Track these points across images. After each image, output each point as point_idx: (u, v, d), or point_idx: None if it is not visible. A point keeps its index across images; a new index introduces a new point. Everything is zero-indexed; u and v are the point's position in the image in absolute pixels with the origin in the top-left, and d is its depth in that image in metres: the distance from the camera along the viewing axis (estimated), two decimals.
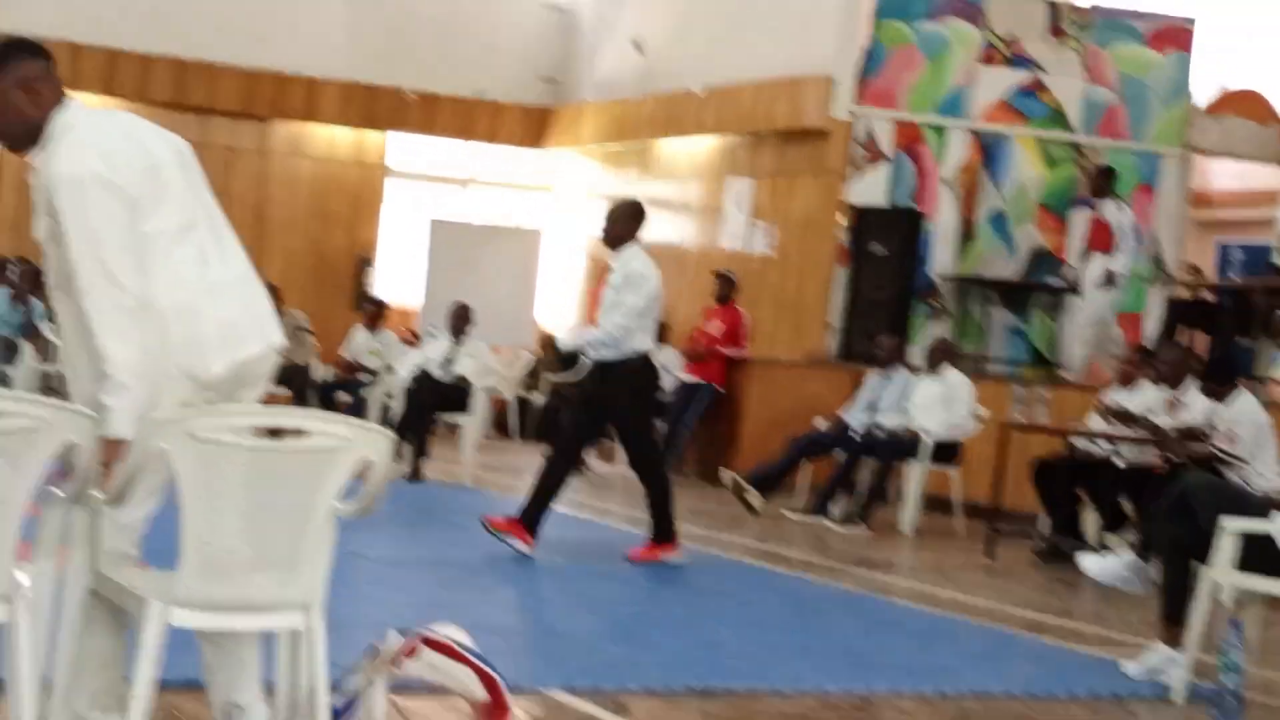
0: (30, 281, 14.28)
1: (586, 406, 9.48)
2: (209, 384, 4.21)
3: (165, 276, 4.19)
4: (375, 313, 15.57)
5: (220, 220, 4.40)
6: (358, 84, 18.35)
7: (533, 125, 19.17)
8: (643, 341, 9.14)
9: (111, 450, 3.98)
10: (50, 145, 4.20)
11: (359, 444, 3.93)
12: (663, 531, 9.20)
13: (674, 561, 9.11)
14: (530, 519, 8.97)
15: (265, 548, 3.91)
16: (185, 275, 4.22)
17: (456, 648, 4.84)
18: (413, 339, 16.58)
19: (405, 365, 13.54)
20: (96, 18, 16.81)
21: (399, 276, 18.69)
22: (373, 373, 14.87)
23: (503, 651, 5.31)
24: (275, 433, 4.08)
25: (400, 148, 18.98)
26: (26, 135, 4.25)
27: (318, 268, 18.39)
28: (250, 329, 4.32)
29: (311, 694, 4.06)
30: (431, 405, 12.85)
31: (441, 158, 19.37)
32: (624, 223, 9.33)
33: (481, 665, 4.84)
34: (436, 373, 13.02)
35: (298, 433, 4.03)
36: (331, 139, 18.61)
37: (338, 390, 14.83)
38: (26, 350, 14.11)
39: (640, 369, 9.17)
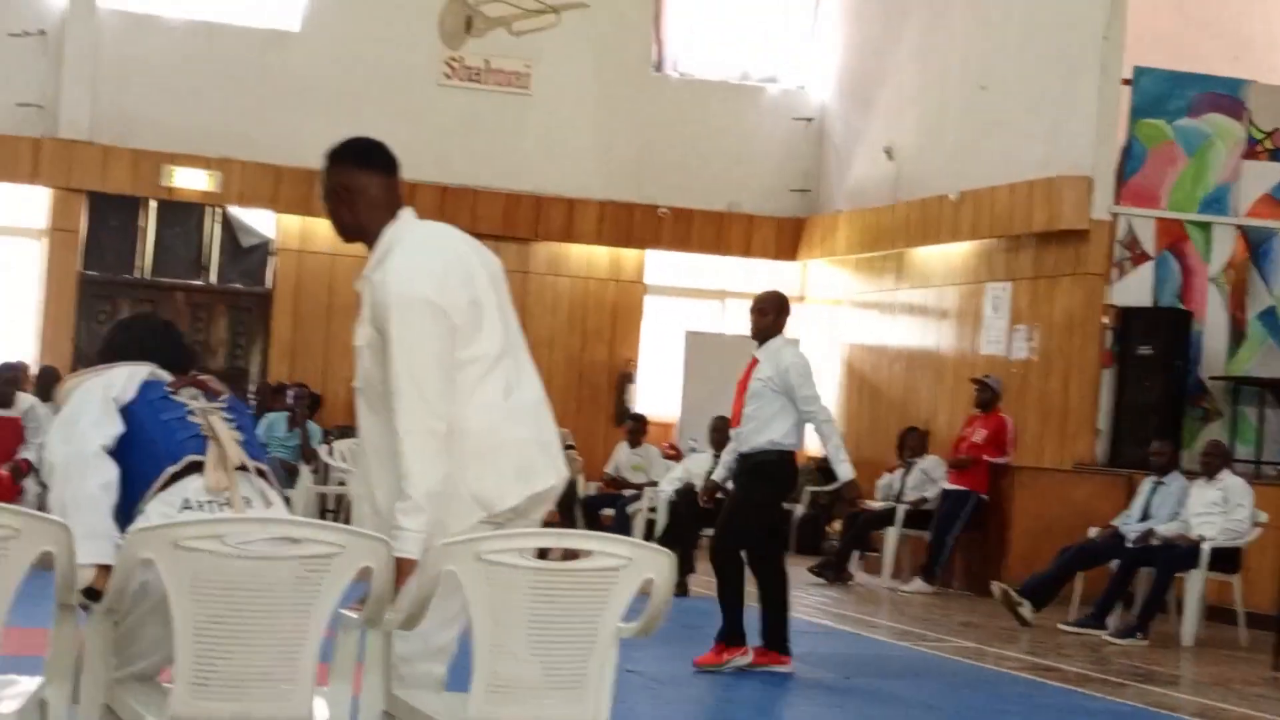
0: (307, 406, 14.79)
1: (742, 507, 9.09)
2: (500, 515, 4.31)
3: (474, 406, 4.31)
4: (637, 428, 15.71)
5: (521, 343, 4.53)
6: (613, 203, 18.69)
7: (786, 236, 19.26)
8: (789, 436, 8.93)
9: (403, 570, 4.08)
10: (383, 258, 4.36)
11: (641, 564, 3.96)
12: (728, 632, 8.91)
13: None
14: (775, 639, 8.83)
15: (553, 669, 3.95)
16: (492, 406, 4.34)
17: None
18: (673, 453, 16.69)
19: (668, 480, 13.61)
20: (298, 139, 17.43)
21: (658, 390, 18.85)
22: (637, 488, 14.99)
23: None
24: (543, 553, 4.14)
25: (656, 263, 19.23)
26: (355, 233, 4.48)
27: (578, 384, 18.66)
28: (543, 462, 4.43)
29: None
30: (695, 519, 12.87)
31: (696, 271, 19.56)
32: (774, 315, 9.11)
33: None
34: (699, 486, 13.04)
35: (569, 553, 4.08)
36: (589, 257, 18.95)
37: (603, 506, 14.98)
38: (304, 473, 14.56)
39: (780, 461, 8.96)
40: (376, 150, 4.51)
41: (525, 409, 4.42)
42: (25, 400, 12.90)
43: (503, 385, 4.37)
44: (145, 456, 4.27)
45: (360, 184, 4.44)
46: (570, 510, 14.84)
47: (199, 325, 17.17)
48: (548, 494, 4.44)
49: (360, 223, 4.47)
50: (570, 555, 4.02)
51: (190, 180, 17.17)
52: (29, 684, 4.02)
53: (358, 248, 4.56)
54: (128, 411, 4.33)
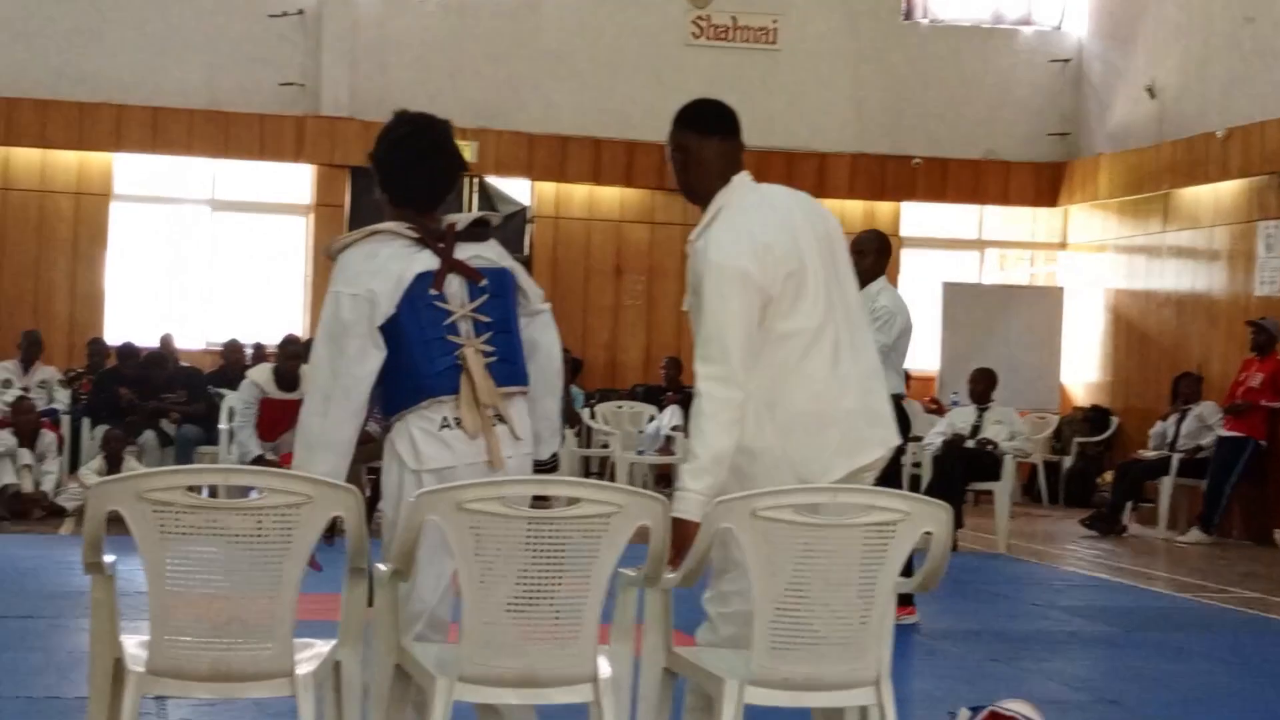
0: (570, 371, 14.94)
1: None
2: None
3: (798, 378, 4.28)
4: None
5: (853, 309, 4.46)
6: (865, 155, 18.47)
7: (1045, 182, 18.80)
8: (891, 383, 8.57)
9: (681, 532, 4.06)
10: (707, 225, 4.36)
11: (919, 517, 3.88)
12: None
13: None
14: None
15: (833, 624, 3.90)
16: (816, 379, 4.30)
17: None
18: (934, 406, 16.46)
19: (932, 434, 13.41)
20: (617, 111, 17.55)
21: (917, 344, 18.58)
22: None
23: None
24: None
25: (912, 215, 18.96)
26: (689, 195, 4.48)
27: None
28: (871, 434, 4.37)
29: None
30: (961, 473, 12.68)
31: (953, 222, 19.24)
32: (873, 256, 8.72)
33: None
34: (964, 440, 12.85)
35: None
36: (843, 211, 18.76)
37: None
38: (568, 436, 14.73)
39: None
40: (710, 113, 4.49)
41: (854, 379, 4.36)
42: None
43: (828, 357, 4.32)
44: (404, 378, 4.38)
45: (691, 146, 4.44)
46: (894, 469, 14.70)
47: None
48: (873, 465, 4.40)
49: (691, 185, 4.47)
50: None
51: None
52: (323, 647, 4.11)
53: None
54: (392, 326, 4.37)
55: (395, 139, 4.52)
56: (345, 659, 4.08)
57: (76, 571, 8.05)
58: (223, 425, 12.79)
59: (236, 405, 12.09)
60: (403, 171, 4.51)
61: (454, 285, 4.46)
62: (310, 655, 4.05)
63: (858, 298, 4.51)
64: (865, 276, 8.65)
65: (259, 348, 15.49)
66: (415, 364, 4.37)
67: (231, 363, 14.60)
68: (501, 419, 4.38)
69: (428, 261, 4.43)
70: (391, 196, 4.54)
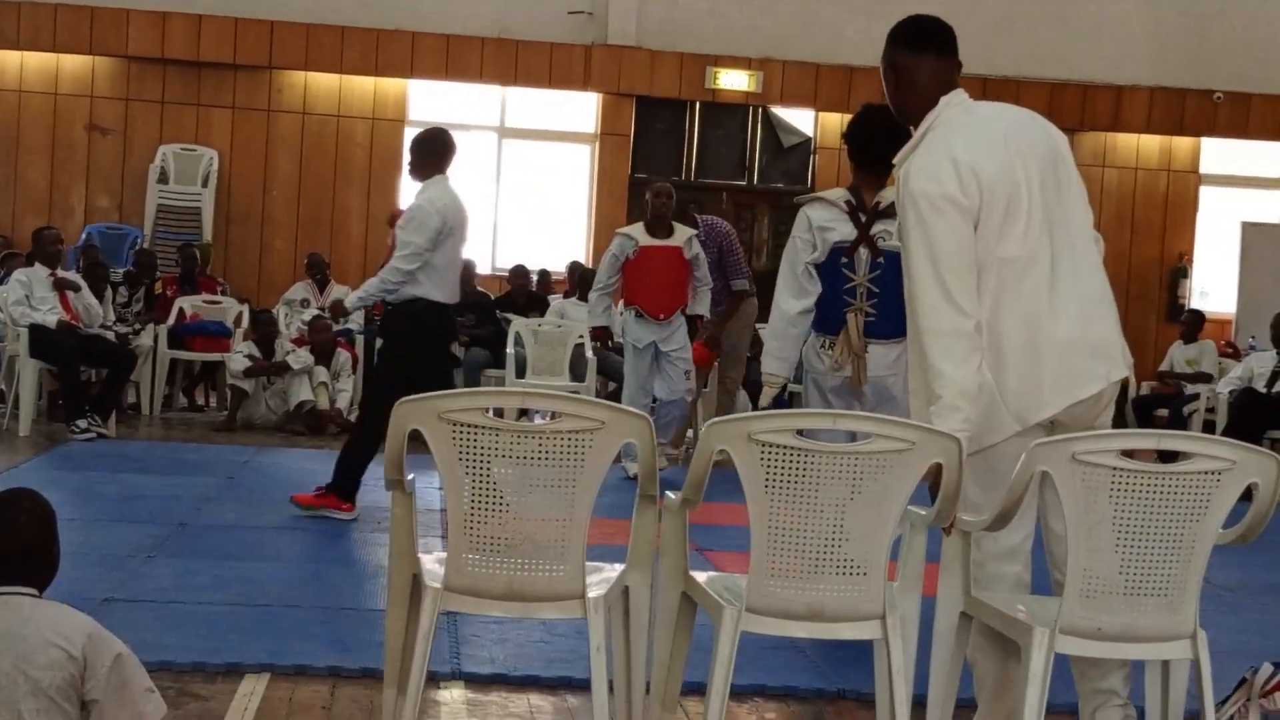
0: None
1: (381, 360, 8.70)
2: (1040, 426, 4.12)
3: (1007, 308, 4.11)
4: (1193, 324, 15.01)
5: (1079, 232, 4.24)
6: (1163, 89, 17.83)
7: None
8: (424, 288, 8.11)
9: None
10: (912, 149, 4.22)
11: (1245, 467, 3.71)
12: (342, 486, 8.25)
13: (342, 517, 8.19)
14: (342, 490, 8.25)
15: (1152, 575, 3.76)
16: (1028, 310, 4.11)
17: None
18: (1229, 351, 15.88)
19: (1226, 379, 12.94)
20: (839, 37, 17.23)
21: (1214, 285, 17.96)
22: (1192, 379, 14.35)
23: None
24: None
25: (1212, 151, 18.25)
26: (900, 115, 4.37)
27: (1127, 280, 17.97)
28: (1091, 365, 4.16)
29: None
30: (1258, 421, 12.20)
31: (1256, 159, 18.46)
32: (417, 153, 8.39)
33: None
34: (1260, 387, 12.37)
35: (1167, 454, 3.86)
36: (1139, 147, 18.16)
37: (1157, 407, 14.40)
38: None
39: (419, 315, 8.13)
40: (924, 29, 4.34)
41: (1072, 305, 4.14)
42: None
43: (1043, 285, 4.12)
44: (818, 311, 6.27)
45: (902, 64, 4.31)
46: (1121, 410, 14.34)
47: (742, 225, 17.41)
48: (1095, 401, 4.18)
49: (902, 106, 4.33)
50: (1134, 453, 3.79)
51: (733, 82, 17.41)
52: (612, 571, 4.14)
53: None
54: (819, 271, 6.24)
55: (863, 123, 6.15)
56: (634, 584, 4.10)
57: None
58: (510, 349, 13.02)
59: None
60: (866, 144, 6.14)
61: (862, 256, 6.18)
62: (600, 579, 4.08)
63: (1084, 218, 4.27)
64: (416, 174, 8.44)
65: (544, 274, 15.71)
66: (821, 308, 6.23)
67: (518, 289, 14.82)
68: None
69: (846, 233, 6.21)
70: (855, 162, 6.31)
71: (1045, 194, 4.17)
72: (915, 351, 4.21)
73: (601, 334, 11.16)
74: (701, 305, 10.54)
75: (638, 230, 10.47)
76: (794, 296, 6.24)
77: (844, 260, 6.17)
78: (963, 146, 4.12)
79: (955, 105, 4.24)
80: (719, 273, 10.64)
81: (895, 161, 4.31)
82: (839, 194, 6.29)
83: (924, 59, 4.27)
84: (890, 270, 5.92)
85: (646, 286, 10.33)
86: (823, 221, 6.23)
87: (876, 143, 5.94)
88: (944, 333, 4.05)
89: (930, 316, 4.08)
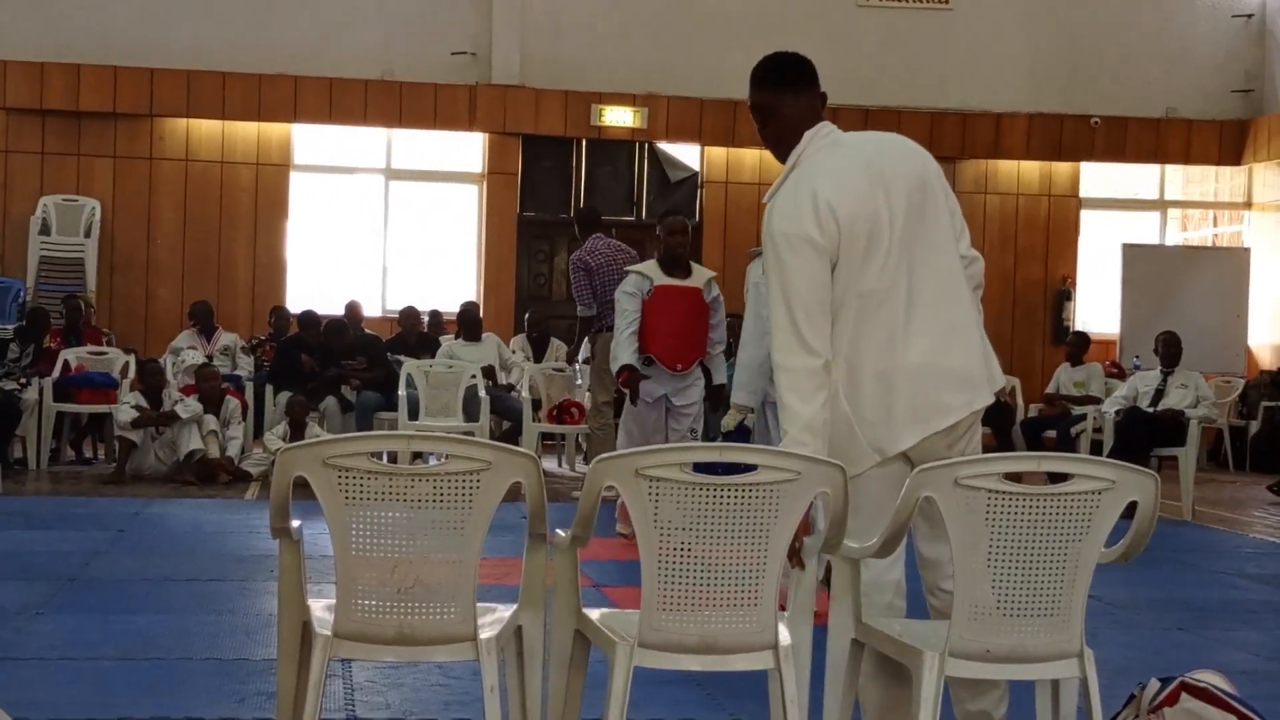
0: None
1: None
2: (898, 456, 4.18)
3: (869, 341, 4.14)
4: (1078, 346, 15.25)
5: (945, 259, 4.22)
6: (1041, 115, 18.13)
7: (1229, 141, 18.32)
8: None
9: None
10: (778, 186, 4.25)
11: (1125, 486, 3.77)
12: None
13: None
14: None
15: (1038, 596, 3.80)
16: (882, 341, 4.14)
17: (1220, 695, 4.56)
18: (1115, 371, 16.15)
19: (1112, 399, 13.15)
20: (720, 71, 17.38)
21: (1097, 307, 18.27)
22: (1080, 402, 14.56)
23: (1259, 699, 4.97)
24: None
25: (1091, 175, 18.58)
26: (777, 154, 4.36)
27: (1012, 304, 18.24)
28: (945, 399, 4.15)
29: None
30: (1144, 439, 12.40)
31: (1133, 182, 18.83)
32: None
33: (1249, 713, 4.54)
34: (1145, 405, 12.57)
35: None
36: (1019, 172, 18.45)
37: (1045, 429, 14.59)
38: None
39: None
40: (777, 67, 4.34)
41: (926, 337, 4.14)
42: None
43: (897, 315, 4.13)
44: None
45: (763, 104, 4.32)
46: (1007, 433, 14.51)
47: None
48: (958, 427, 4.18)
49: (772, 144, 4.36)
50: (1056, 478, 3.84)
51: (618, 118, 17.50)
52: (505, 611, 4.12)
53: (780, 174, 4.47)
54: None
55: None
56: (527, 623, 4.09)
57: (262, 534, 8.24)
58: (401, 391, 12.96)
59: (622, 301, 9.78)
60: None
61: None
62: (493, 619, 4.06)
63: (952, 242, 4.25)
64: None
65: (435, 315, 15.66)
66: None
67: (409, 330, 14.78)
68: None
69: None
70: None
71: (909, 223, 4.18)
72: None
73: (631, 380, 9.49)
74: (720, 372, 9.68)
75: (651, 268, 9.53)
76: (758, 343, 6.64)
77: None
78: (824, 184, 4.14)
79: (820, 139, 4.26)
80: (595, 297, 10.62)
81: (764, 200, 4.35)
82: None
83: (783, 97, 4.29)
84: None
85: (664, 332, 9.42)
86: None
87: None
88: (792, 369, 4.10)
89: (781, 353, 4.14)
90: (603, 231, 11.21)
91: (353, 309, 15.56)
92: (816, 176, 4.17)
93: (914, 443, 4.15)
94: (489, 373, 10.95)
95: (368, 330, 15.04)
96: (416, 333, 14.59)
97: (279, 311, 15.63)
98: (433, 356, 13.83)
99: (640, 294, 9.43)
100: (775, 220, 4.16)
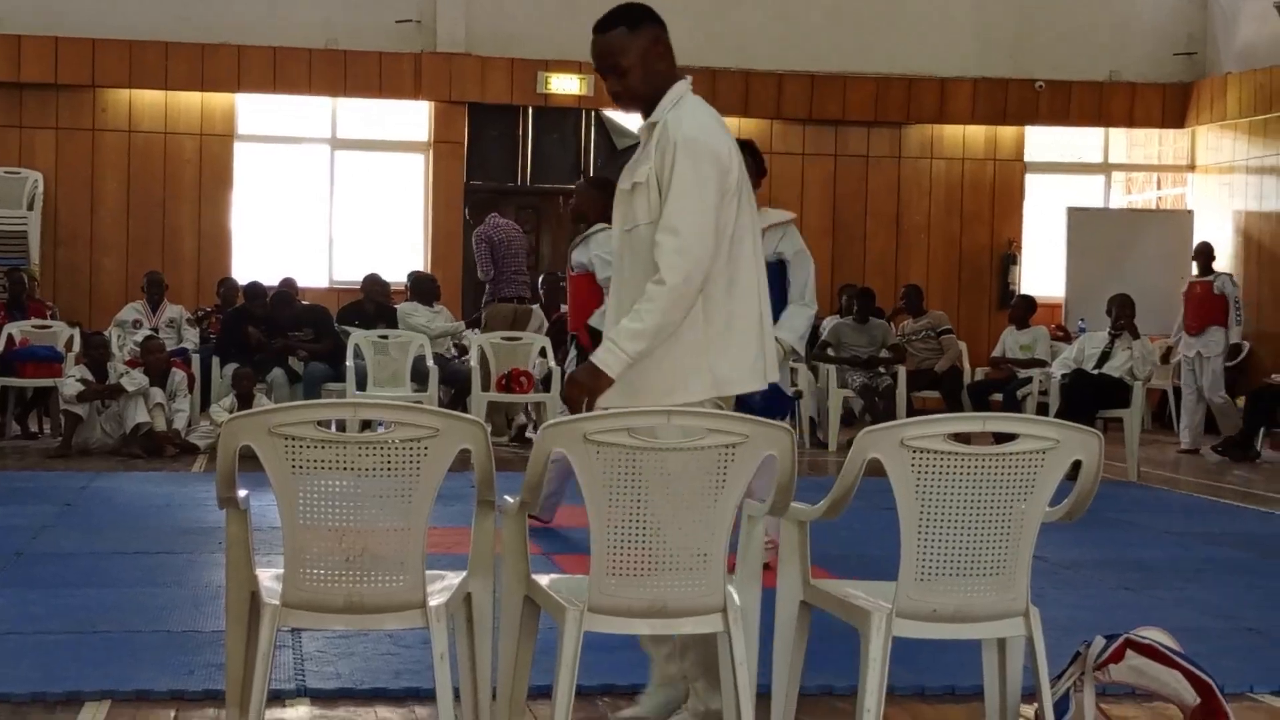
0: None
1: None
2: (726, 399, 4.26)
3: (748, 287, 4.25)
4: (1024, 310, 15.33)
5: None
6: (986, 79, 18.18)
7: (1172, 103, 18.40)
8: None
9: (595, 385, 4.15)
10: (672, 109, 4.25)
11: (1069, 445, 3.80)
12: None
13: None
14: None
15: (983, 555, 3.83)
16: (747, 288, 4.27)
17: (1165, 651, 4.62)
18: (1060, 334, 16.24)
19: (1059, 362, 13.23)
20: (734, 41, 17.41)
21: (1042, 270, 18.36)
22: (1025, 365, 14.65)
23: (1203, 655, 5.02)
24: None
25: (1035, 139, 18.65)
26: (653, 95, 4.31)
27: (958, 268, 18.31)
28: (765, 365, 4.33)
29: (1038, 702, 3.96)
30: (1089, 402, 12.49)
31: (1078, 145, 18.92)
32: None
33: (1193, 669, 4.60)
34: (1090, 368, 12.66)
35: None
36: (964, 137, 18.50)
37: (991, 391, 14.68)
38: None
39: None
40: (634, 7, 4.36)
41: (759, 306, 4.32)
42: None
43: (756, 269, 4.30)
44: None
45: (628, 45, 4.29)
46: (956, 396, 14.59)
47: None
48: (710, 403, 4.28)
49: (636, 87, 4.30)
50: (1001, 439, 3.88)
51: (564, 86, 17.43)
52: (454, 579, 4.13)
53: None
54: None
55: None
56: (476, 590, 4.09)
57: (210, 507, 8.21)
58: (349, 362, 12.92)
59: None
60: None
61: None
62: (441, 587, 4.06)
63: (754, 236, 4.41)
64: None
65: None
66: None
67: (369, 298, 14.54)
68: None
69: None
70: None
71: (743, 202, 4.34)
72: (635, 284, 4.22)
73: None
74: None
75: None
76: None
77: None
78: (719, 125, 4.28)
79: (688, 83, 4.35)
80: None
81: (654, 116, 4.28)
82: None
83: (647, 31, 4.31)
84: (774, 280, 5.91)
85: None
86: None
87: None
88: (679, 270, 4.09)
89: (677, 255, 4.10)
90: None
91: (286, 284, 15.35)
92: (711, 118, 4.29)
93: (748, 390, 4.27)
94: (456, 336, 10.96)
95: (307, 302, 14.94)
96: (375, 302, 14.42)
97: (227, 282, 15.51)
98: (390, 326, 13.77)
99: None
100: (692, 129, 4.18)
